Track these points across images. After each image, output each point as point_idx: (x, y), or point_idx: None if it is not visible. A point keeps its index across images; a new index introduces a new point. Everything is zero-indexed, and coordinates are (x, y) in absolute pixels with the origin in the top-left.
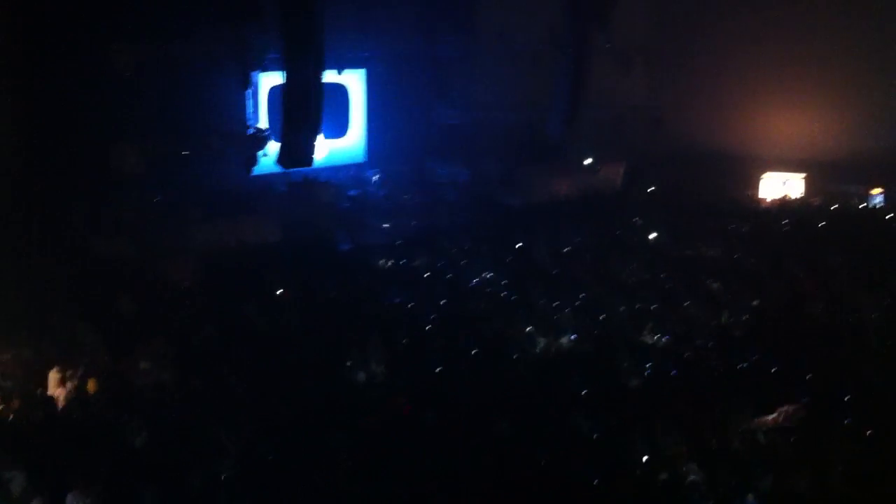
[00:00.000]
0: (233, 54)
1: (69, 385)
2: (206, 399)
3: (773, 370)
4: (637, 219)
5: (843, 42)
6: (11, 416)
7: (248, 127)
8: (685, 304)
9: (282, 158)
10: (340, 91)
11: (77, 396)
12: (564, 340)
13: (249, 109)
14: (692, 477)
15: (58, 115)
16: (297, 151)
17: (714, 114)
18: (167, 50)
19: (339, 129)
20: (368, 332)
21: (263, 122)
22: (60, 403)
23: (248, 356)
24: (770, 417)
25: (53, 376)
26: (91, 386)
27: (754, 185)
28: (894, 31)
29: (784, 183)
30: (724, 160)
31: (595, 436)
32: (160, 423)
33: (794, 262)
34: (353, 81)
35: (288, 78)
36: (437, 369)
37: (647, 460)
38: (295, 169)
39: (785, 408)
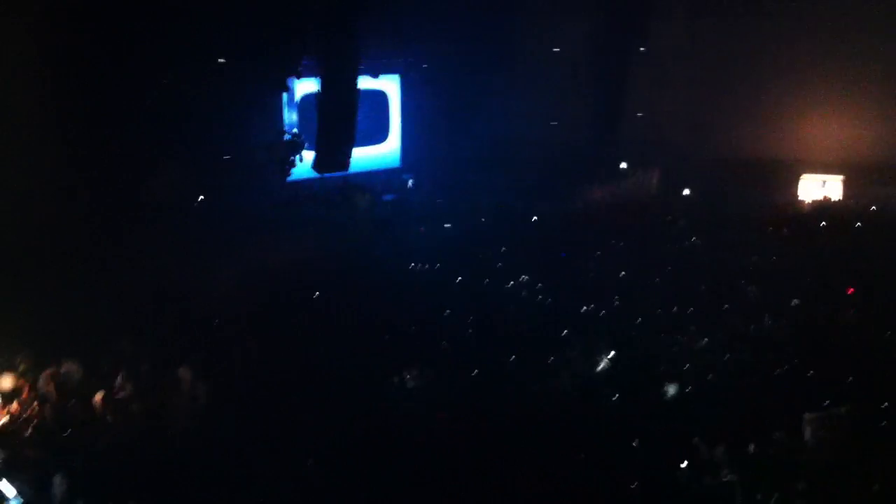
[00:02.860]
0: (270, 61)
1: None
2: (245, 412)
3: (810, 374)
4: (674, 221)
5: (882, 43)
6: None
7: (285, 132)
8: (724, 308)
9: (318, 164)
10: (380, 96)
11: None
12: (602, 346)
13: (286, 115)
14: (731, 481)
15: (100, 127)
16: (333, 156)
17: (752, 117)
18: (204, 58)
19: (380, 134)
20: (405, 341)
21: (297, 128)
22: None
23: (284, 365)
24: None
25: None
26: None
27: (793, 188)
28: None
29: (823, 185)
30: (763, 164)
31: (635, 441)
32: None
33: (832, 263)
34: (389, 87)
35: (324, 84)
36: (474, 373)
37: (686, 465)
38: (331, 174)
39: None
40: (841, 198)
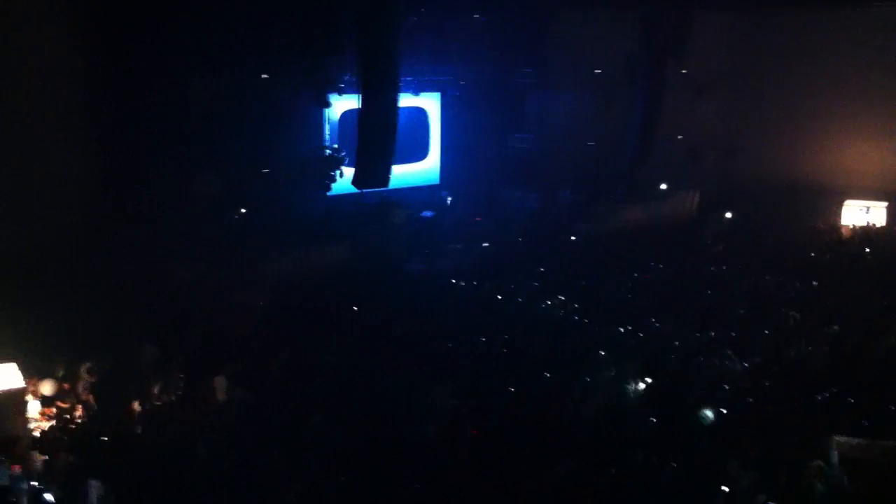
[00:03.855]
0: (311, 77)
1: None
2: (277, 423)
3: (850, 401)
4: (714, 246)
5: None
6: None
7: (325, 148)
8: (764, 334)
9: (357, 179)
10: (420, 114)
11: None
12: (635, 367)
13: (326, 131)
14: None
15: (136, 140)
16: (372, 172)
17: (795, 143)
18: (246, 73)
19: (420, 151)
20: (438, 359)
21: (336, 144)
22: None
23: (319, 380)
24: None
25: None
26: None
27: (836, 214)
28: None
29: (867, 211)
30: (807, 190)
31: (669, 466)
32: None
33: (874, 290)
34: (429, 105)
35: (365, 100)
36: (509, 391)
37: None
38: (370, 189)
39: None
40: (885, 224)
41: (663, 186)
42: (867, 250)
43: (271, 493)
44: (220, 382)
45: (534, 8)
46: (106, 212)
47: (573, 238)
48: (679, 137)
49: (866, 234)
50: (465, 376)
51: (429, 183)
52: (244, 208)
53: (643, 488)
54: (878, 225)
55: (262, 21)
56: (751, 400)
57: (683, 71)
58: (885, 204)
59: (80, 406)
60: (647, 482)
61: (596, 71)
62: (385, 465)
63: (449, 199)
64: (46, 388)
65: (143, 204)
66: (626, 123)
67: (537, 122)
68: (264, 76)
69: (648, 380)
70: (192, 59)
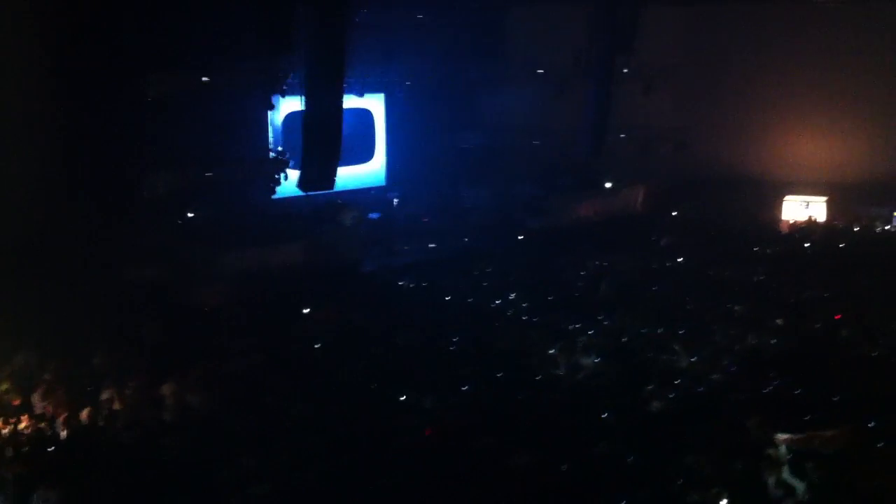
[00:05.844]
0: (255, 78)
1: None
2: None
3: (797, 392)
4: (661, 240)
5: (867, 65)
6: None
7: (270, 150)
8: (710, 327)
9: (303, 182)
10: (365, 115)
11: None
12: (588, 363)
13: (270, 133)
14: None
15: (87, 141)
16: (317, 175)
17: (737, 137)
18: (190, 74)
19: (366, 153)
20: (392, 357)
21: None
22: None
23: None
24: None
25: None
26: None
27: (777, 209)
28: None
29: (806, 206)
30: (748, 184)
31: (623, 459)
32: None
33: (817, 283)
34: (373, 106)
35: (309, 102)
36: (463, 388)
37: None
38: (316, 192)
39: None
40: (825, 219)
41: (609, 184)
42: (806, 245)
43: (237, 493)
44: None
45: (480, 3)
46: (48, 213)
47: (521, 237)
48: (622, 136)
49: (807, 228)
50: (420, 374)
51: (375, 184)
52: (187, 212)
53: (604, 479)
54: (817, 220)
55: (203, 20)
56: (701, 390)
57: (630, 66)
58: (825, 199)
59: (25, 416)
60: (607, 473)
61: (544, 66)
62: (349, 462)
63: (396, 200)
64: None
65: (83, 208)
66: (577, 118)
67: (486, 120)
68: (205, 78)
69: (598, 374)
70: (132, 58)
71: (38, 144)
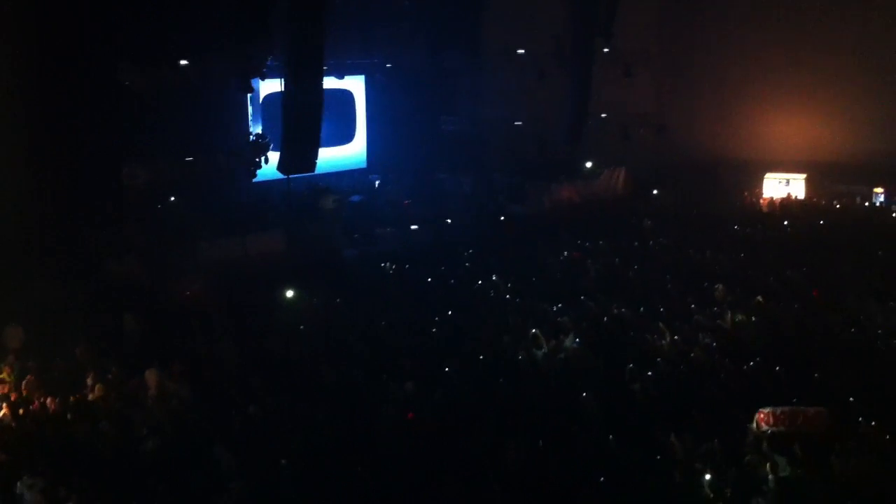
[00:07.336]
0: (234, 62)
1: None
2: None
3: (776, 369)
4: (643, 222)
5: (844, 46)
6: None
7: (250, 134)
8: (690, 307)
9: (283, 165)
10: (346, 97)
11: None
12: (569, 344)
13: (249, 117)
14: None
15: (61, 131)
16: (298, 158)
17: (717, 119)
18: (166, 59)
19: (347, 134)
20: (374, 341)
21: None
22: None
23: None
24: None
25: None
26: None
27: (757, 188)
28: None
29: (786, 184)
30: (728, 164)
31: (604, 438)
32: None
33: (796, 260)
34: (354, 87)
35: (289, 85)
36: (445, 369)
37: (658, 461)
38: (297, 175)
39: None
40: (804, 196)
41: (589, 165)
42: (786, 223)
43: (217, 488)
44: (157, 375)
45: None
46: (30, 205)
47: (503, 218)
48: (603, 115)
49: (786, 205)
50: (404, 359)
51: (356, 167)
52: (168, 196)
53: (586, 459)
54: (797, 197)
55: (183, 4)
56: (682, 369)
57: (611, 48)
58: (804, 176)
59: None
60: (588, 453)
61: (521, 52)
62: (335, 454)
63: (377, 182)
64: None
65: (66, 196)
66: (555, 104)
67: (467, 103)
68: (184, 62)
69: (581, 353)
70: (111, 44)
71: (13, 134)
